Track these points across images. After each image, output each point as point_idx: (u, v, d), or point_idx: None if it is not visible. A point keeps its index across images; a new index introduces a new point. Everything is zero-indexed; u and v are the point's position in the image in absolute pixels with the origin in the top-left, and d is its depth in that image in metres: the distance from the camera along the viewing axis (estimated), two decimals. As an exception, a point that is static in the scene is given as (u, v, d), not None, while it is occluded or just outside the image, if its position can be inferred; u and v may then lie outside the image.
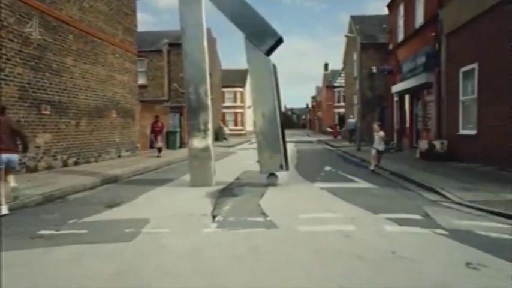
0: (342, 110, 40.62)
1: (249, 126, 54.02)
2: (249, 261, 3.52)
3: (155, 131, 15.49)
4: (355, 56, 26.42)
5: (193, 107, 8.40)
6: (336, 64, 48.28)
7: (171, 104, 23.59)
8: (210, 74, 24.78)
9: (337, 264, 3.42)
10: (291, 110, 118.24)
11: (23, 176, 8.95)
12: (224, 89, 44.31)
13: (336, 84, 49.12)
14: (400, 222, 4.80)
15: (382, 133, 10.62)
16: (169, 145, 19.55)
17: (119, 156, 14.43)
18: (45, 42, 10.33)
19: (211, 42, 29.25)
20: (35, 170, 9.84)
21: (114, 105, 14.34)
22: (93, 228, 4.77)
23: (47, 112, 10.43)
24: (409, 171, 9.33)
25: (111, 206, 6.21)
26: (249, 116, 56.29)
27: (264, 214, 5.41)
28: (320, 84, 62.75)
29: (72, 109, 11.65)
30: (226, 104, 46.48)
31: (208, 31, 29.01)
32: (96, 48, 13.07)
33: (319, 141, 29.28)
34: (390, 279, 3.06)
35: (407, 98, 16.96)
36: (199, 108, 8.35)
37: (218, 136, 30.31)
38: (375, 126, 11.03)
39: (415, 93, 15.69)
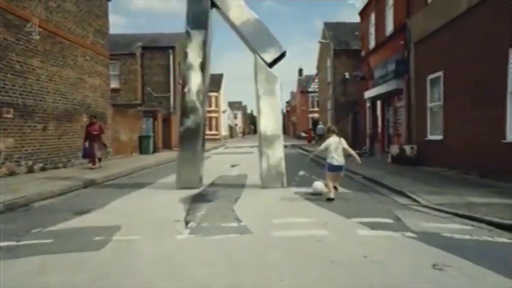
0: (316, 115, 41.25)
1: (223, 131, 53.81)
2: (222, 268, 3.47)
3: (91, 136, 12.03)
4: (328, 62, 26.97)
5: (187, 109, 8.54)
6: (310, 69, 49.10)
7: (145, 108, 23.14)
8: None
9: (310, 269, 3.43)
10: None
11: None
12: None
13: (310, 90, 49.91)
14: (372, 226, 4.89)
15: (333, 139, 6.88)
16: (143, 150, 19.17)
17: (89, 162, 13.95)
18: (7, 42, 9.86)
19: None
20: (-5, 176, 9.34)
21: (85, 109, 13.90)
22: (60, 237, 4.56)
23: (10, 115, 9.95)
24: (380, 176, 9.56)
25: (80, 213, 5.98)
26: (224, 120, 56.09)
27: (238, 219, 5.37)
28: (294, 90, 63.56)
29: (39, 112, 11.19)
30: (201, 108, 46.02)
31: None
32: (65, 50, 12.64)
33: (293, 146, 29.55)
34: (361, 283, 3.10)
35: (379, 103, 17.44)
36: (192, 111, 8.50)
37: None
38: (327, 130, 7.77)
39: (386, 99, 16.17)
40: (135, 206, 6.62)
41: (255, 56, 8.61)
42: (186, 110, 8.57)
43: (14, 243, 4.37)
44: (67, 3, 12.76)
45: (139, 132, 19.75)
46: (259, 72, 8.57)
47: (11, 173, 9.89)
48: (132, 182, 9.91)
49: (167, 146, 23.27)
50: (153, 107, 23.58)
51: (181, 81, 26.90)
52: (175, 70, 25.24)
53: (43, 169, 11.22)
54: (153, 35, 27.21)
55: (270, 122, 8.55)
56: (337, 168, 6.88)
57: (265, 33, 8.63)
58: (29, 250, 4.09)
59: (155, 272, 3.41)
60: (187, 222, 5.24)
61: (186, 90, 8.57)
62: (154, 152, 19.70)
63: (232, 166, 13.59)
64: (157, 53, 25.00)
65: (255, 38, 8.58)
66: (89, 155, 12.12)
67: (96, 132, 12.12)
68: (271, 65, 8.61)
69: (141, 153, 18.97)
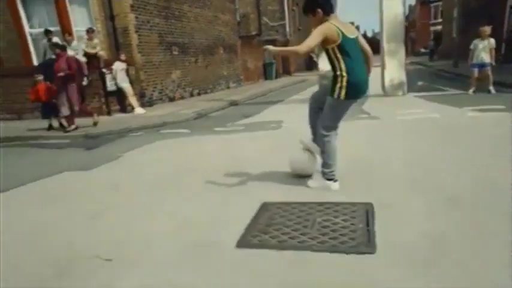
0: (439, 28, 37.23)
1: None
2: (362, 138, 5.24)
3: (58, 79, 7.07)
4: (456, -37, 23.78)
5: None
6: (434, -26, 42.98)
7: (263, 37, 25.00)
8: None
9: (422, 134, 4.94)
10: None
11: (168, 104, 11.76)
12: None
13: (432, -1, 44.35)
14: (483, 110, 5.97)
15: (492, 40, 8.44)
16: (267, 76, 21.56)
17: (228, 87, 16.86)
18: (169, -7, 12.47)
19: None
20: (173, 99, 12.64)
21: (221, 42, 16.43)
22: (246, 126, 6.92)
23: (176, 53, 12.91)
24: (507, 79, 9.60)
25: (246, 116, 8.37)
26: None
27: (368, 113, 6.97)
28: (413, 2, 56.82)
29: (192, 49, 14.02)
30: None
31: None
32: (202, -8, 14.92)
33: (411, 63, 28.15)
34: (459, 138, 4.50)
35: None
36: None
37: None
38: (486, 29, 8.58)
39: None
40: (281, 112, 8.74)
41: None
42: None
43: (223, 128, 6.93)
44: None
45: (263, 60, 21.95)
46: None
47: (181, 97, 13.17)
48: (269, 99, 12.17)
49: (287, 71, 25.21)
50: (271, 35, 25.26)
51: (294, 8, 27.55)
52: (288, -3, 25.97)
53: (199, 94, 14.37)
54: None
55: (392, 35, 9.19)
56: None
57: None
58: (234, 130, 6.54)
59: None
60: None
61: None
62: (276, 77, 21.88)
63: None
64: (270, -19, 25.86)
65: None
66: (50, 111, 7.58)
67: (63, 73, 6.97)
68: None
69: (265, 79, 21.36)
